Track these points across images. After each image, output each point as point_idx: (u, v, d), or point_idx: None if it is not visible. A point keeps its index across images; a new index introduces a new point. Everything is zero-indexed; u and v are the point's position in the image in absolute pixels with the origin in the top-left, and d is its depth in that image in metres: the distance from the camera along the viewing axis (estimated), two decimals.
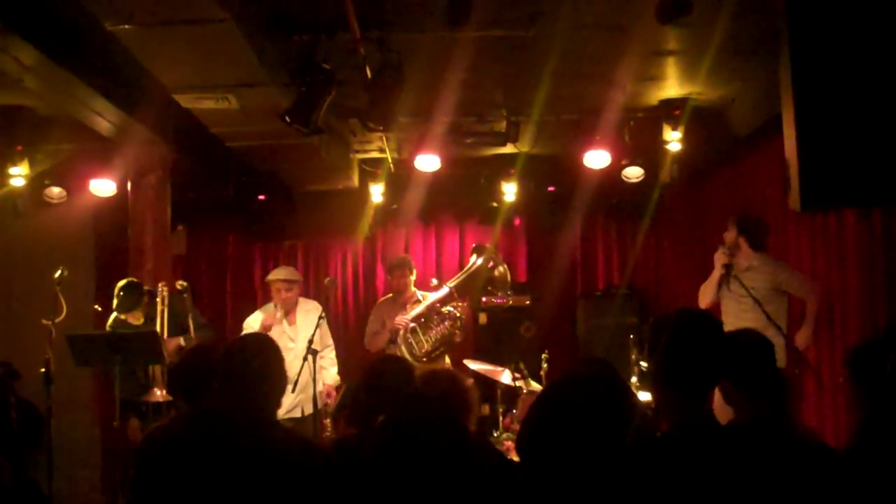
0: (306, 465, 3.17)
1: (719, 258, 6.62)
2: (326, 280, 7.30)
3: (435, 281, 7.75)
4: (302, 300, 7.54)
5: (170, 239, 7.45)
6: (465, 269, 7.75)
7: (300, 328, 7.31)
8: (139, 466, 3.26)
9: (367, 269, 10.16)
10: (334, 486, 3.18)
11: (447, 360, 7.50)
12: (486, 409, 7.13)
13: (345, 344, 8.67)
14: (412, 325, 7.39)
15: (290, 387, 6.31)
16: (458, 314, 7.47)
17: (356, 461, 3.29)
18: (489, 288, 7.92)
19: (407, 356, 7.22)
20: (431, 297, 7.61)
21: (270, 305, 7.43)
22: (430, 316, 7.43)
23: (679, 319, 2.92)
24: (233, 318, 9.89)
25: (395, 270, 7.91)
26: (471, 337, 9.39)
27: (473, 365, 6.82)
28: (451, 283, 7.55)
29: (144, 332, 6.24)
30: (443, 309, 7.45)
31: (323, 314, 6.82)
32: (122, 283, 6.60)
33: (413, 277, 7.90)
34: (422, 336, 7.41)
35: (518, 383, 6.60)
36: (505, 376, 6.71)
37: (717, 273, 6.62)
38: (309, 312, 7.36)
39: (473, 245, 8.15)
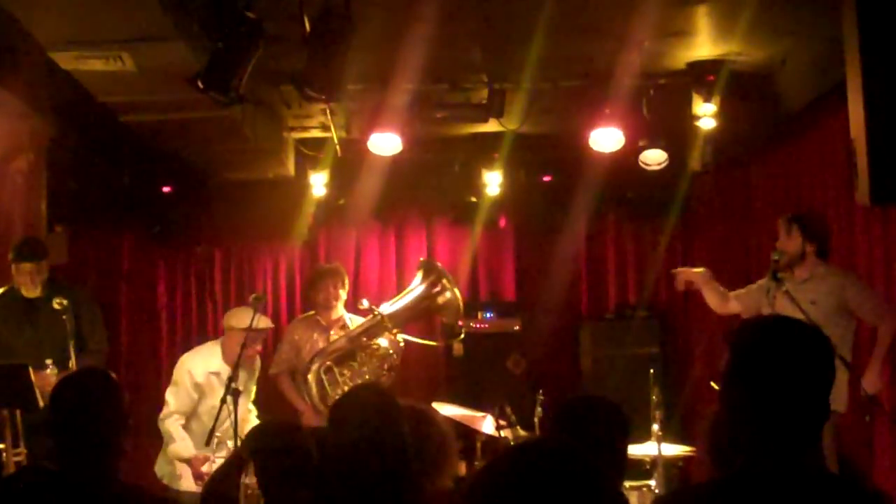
0: None
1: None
2: (252, 297, 7.24)
3: (366, 303, 7.71)
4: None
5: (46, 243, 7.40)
6: (405, 291, 7.72)
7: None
8: None
9: (305, 283, 10.13)
10: None
11: None
12: (462, 467, 7.13)
13: None
14: (328, 363, 7.34)
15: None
16: (389, 350, 7.45)
17: None
18: (440, 317, 7.96)
19: (316, 400, 7.24)
20: (355, 325, 7.65)
21: (217, 347, 7.43)
22: (353, 352, 7.38)
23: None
24: (128, 346, 9.86)
25: (320, 282, 7.98)
26: (443, 373, 9.41)
27: (445, 409, 6.79)
28: (385, 309, 7.51)
29: (9, 366, 6.19)
30: (371, 342, 7.41)
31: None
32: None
33: (344, 295, 7.95)
34: (339, 377, 7.35)
35: (504, 433, 6.59)
36: (487, 424, 6.71)
37: (763, 282, 6.53)
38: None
39: (420, 260, 8.12)
